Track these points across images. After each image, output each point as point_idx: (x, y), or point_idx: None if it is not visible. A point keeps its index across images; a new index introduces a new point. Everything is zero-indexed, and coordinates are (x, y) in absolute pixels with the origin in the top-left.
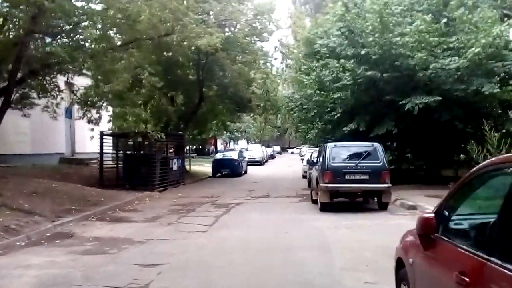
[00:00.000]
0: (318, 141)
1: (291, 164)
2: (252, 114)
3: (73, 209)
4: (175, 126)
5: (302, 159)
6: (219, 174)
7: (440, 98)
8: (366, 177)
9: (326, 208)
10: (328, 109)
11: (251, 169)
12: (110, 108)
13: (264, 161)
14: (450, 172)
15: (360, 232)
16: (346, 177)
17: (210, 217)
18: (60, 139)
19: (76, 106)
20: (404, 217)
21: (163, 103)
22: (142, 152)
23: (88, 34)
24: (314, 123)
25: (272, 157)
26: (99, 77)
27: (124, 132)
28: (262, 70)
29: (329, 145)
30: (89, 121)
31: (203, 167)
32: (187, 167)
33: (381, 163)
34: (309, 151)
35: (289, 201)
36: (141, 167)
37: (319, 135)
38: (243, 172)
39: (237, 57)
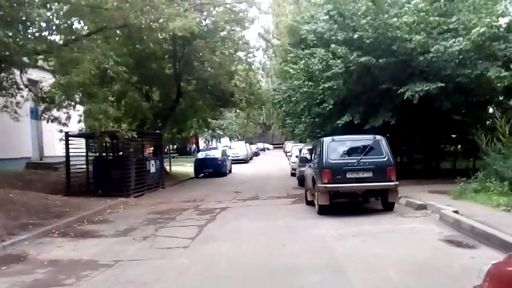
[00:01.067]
0: (307, 136)
1: (276, 161)
2: (235, 110)
3: (30, 224)
4: (152, 124)
5: (289, 156)
6: (202, 174)
7: (443, 84)
8: (369, 174)
9: (325, 211)
10: (317, 101)
11: (235, 168)
12: (80, 107)
13: (248, 159)
14: (448, 164)
15: (373, 242)
16: (347, 176)
17: (193, 227)
18: (26, 142)
19: (41, 106)
20: (416, 219)
21: (136, 99)
22: (114, 154)
23: (35, 14)
24: (302, 117)
25: (256, 154)
26: (58, 71)
27: (89, 133)
28: (244, 61)
29: (326, 139)
30: (52, 120)
31: (185, 167)
32: (167, 168)
33: (385, 158)
34: (296, 148)
35: (280, 203)
36: (113, 171)
37: (308, 130)
38: (227, 172)
39: (217, 47)
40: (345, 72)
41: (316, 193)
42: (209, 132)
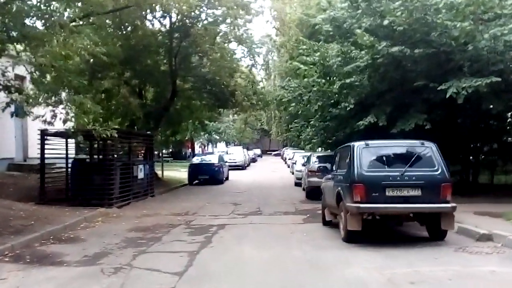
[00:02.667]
0: (318, 142)
1: (275, 169)
2: (235, 111)
3: None
4: (143, 125)
5: (293, 164)
6: (196, 181)
7: (499, 79)
8: (417, 192)
9: (354, 238)
10: (332, 101)
11: (232, 175)
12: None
13: (246, 165)
14: (484, 178)
15: None
16: (387, 193)
17: (182, 254)
18: (9, 142)
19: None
20: (487, 257)
21: (124, 96)
22: (99, 157)
23: None
24: (311, 120)
25: (253, 160)
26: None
27: (65, 131)
28: (247, 55)
29: (358, 144)
30: (36, 118)
31: (179, 172)
32: (159, 173)
33: (439, 171)
34: (298, 155)
35: (289, 220)
36: (95, 176)
37: (319, 135)
38: (224, 179)
39: (218, 35)
40: (370, 66)
41: (342, 214)
42: (205, 135)
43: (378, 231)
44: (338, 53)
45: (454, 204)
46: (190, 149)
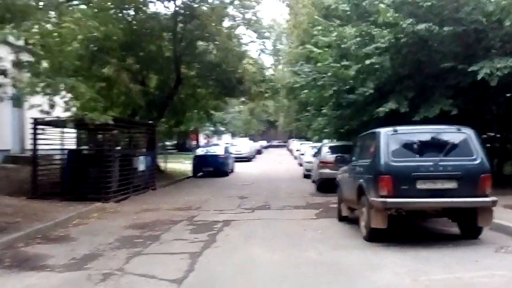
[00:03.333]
0: (330, 132)
1: (281, 160)
2: (242, 100)
3: None
4: (146, 114)
5: (301, 155)
6: (201, 173)
7: None
8: (453, 184)
9: (378, 237)
10: (347, 86)
11: (238, 167)
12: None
13: (252, 157)
14: (508, 169)
15: None
16: (418, 186)
17: (182, 256)
18: (5, 133)
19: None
20: None
21: (124, 81)
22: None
23: None
24: (322, 108)
25: (259, 152)
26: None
27: (55, 120)
28: (257, 38)
29: (384, 131)
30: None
31: (183, 164)
32: (162, 165)
33: (478, 161)
34: (307, 146)
35: (301, 216)
36: (91, 169)
37: (332, 124)
38: (229, 171)
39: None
40: (393, 46)
41: (364, 210)
42: (211, 126)
43: (401, 228)
44: (357, 33)
45: (494, 198)
46: (195, 141)
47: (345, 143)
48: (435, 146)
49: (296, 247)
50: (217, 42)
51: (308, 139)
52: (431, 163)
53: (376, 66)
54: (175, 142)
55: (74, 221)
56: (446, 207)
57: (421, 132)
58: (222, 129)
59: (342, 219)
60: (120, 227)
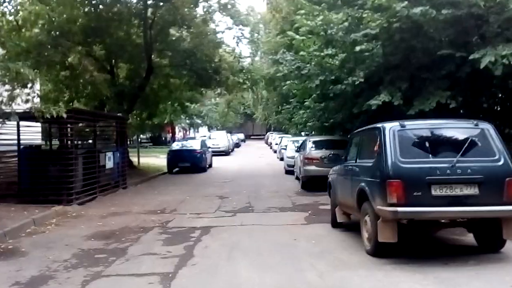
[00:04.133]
0: (317, 125)
1: (260, 154)
2: (219, 91)
3: None
4: (115, 106)
5: (282, 149)
6: (177, 169)
7: None
8: (473, 190)
9: (385, 251)
10: (333, 77)
11: (216, 161)
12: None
13: (230, 150)
14: None
15: None
16: (433, 192)
17: (152, 279)
18: None
19: None
20: None
21: (87, 70)
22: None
23: None
24: (305, 101)
25: (237, 145)
26: None
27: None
28: (234, 25)
29: (390, 126)
30: None
31: (158, 159)
32: (135, 160)
33: (501, 162)
34: (289, 140)
35: (289, 220)
36: (51, 167)
37: (319, 116)
38: (207, 166)
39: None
40: (385, 32)
41: (367, 219)
42: (187, 119)
43: (407, 237)
44: (344, 18)
45: None
46: (170, 134)
47: (330, 137)
48: (450, 144)
49: (290, 265)
50: (191, 30)
51: (287, 132)
52: (447, 165)
53: (366, 53)
54: (150, 135)
55: (28, 229)
56: (467, 217)
57: (433, 128)
58: (199, 121)
59: (336, 225)
60: (81, 237)
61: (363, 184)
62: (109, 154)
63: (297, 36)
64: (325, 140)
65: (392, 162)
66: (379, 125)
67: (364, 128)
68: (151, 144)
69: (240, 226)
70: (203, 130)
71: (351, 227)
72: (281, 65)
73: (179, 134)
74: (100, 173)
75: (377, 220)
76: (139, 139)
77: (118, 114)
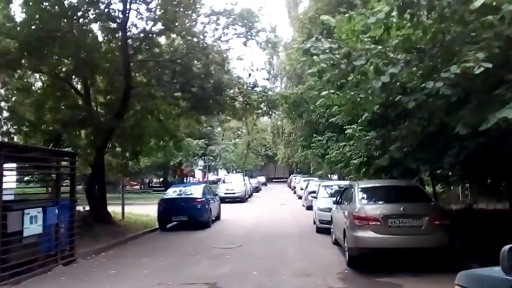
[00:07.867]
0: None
1: (284, 200)
2: (224, 116)
3: None
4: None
5: (310, 195)
6: (170, 224)
7: None
8: None
9: None
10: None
11: (228, 211)
12: None
13: (247, 196)
14: None
15: None
16: None
17: None
18: None
19: None
20: None
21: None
22: None
23: None
24: (345, 128)
25: (257, 190)
26: None
27: None
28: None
29: None
30: None
31: (155, 208)
32: (118, 211)
33: None
34: (314, 183)
35: None
36: None
37: (366, 149)
38: (211, 220)
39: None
40: None
41: None
42: (196, 160)
43: None
44: None
45: None
46: (177, 176)
47: (391, 182)
48: None
49: None
50: (187, 38)
51: (311, 175)
52: None
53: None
54: (161, 179)
55: None
56: None
57: None
58: (212, 163)
59: None
60: None
61: None
62: (33, 212)
63: (333, 20)
64: (384, 187)
65: None
66: None
67: None
68: (163, 188)
69: None
70: (223, 172)
71: None
72: (316, 56)
73: (196, 177)
74: (14, 244)
75: None
76: (150, 183)
77: (65, 150)
